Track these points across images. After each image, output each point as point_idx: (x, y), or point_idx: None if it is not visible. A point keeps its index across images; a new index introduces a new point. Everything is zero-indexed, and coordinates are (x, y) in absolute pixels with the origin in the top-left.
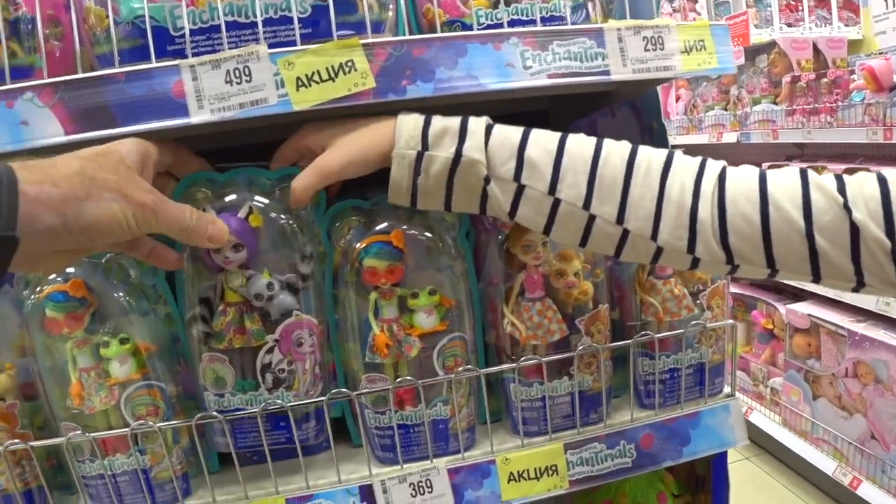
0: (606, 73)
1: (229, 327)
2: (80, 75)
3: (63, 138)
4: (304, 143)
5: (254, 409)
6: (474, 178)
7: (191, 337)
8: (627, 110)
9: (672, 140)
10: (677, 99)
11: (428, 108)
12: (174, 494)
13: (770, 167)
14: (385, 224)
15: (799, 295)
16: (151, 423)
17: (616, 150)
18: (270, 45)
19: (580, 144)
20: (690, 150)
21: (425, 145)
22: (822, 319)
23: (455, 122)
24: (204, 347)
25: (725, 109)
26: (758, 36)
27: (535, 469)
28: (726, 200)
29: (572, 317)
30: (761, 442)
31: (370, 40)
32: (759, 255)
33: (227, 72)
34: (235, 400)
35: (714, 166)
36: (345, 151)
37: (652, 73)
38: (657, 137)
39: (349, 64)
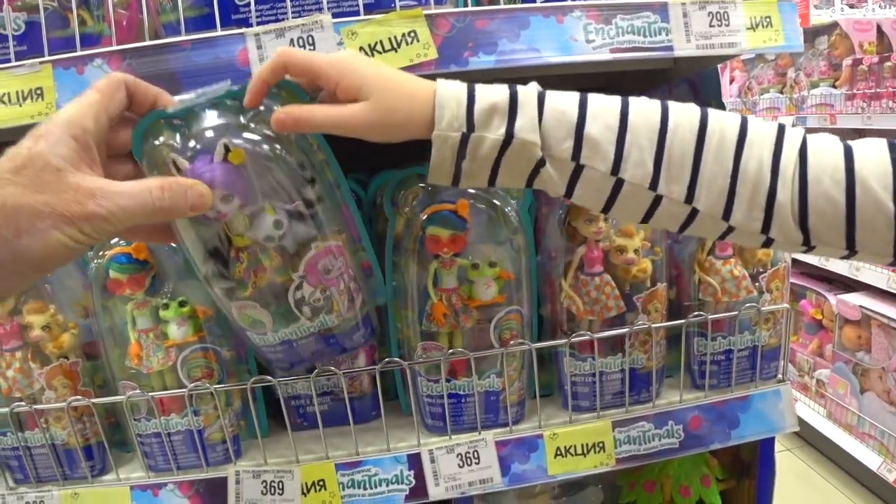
0: (670, 48)
1: (248, 273)
2: (148, 42)
3: None
4: (332, 77)
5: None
6: (525, 160)
7: (214, 296)
8: (685, 88)
9: None
10: (731, 81)
11: (488, 80)
12: (226, 455)
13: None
14: (450, 193)
15: (850, 285)
16: (207, 384)
17: (684, 120)
18: (335, 15)
19: (646, 115)
20: None
21: (471, 125)
22: (875, 311)
23: (503, 95)
24: (230, 300)
25: (781, 93)
26: (818, 17)
27: (583, 445)
28: (808, 179)
29: (630, 294)
30: (804, 434)
31: (433, 11)
32: (840, 238)
33: (292, 41)
34: (278, 336)
35: (794, 137)
36: (377, 115)
37: (716, 50)
38: None
39: (412, 34)
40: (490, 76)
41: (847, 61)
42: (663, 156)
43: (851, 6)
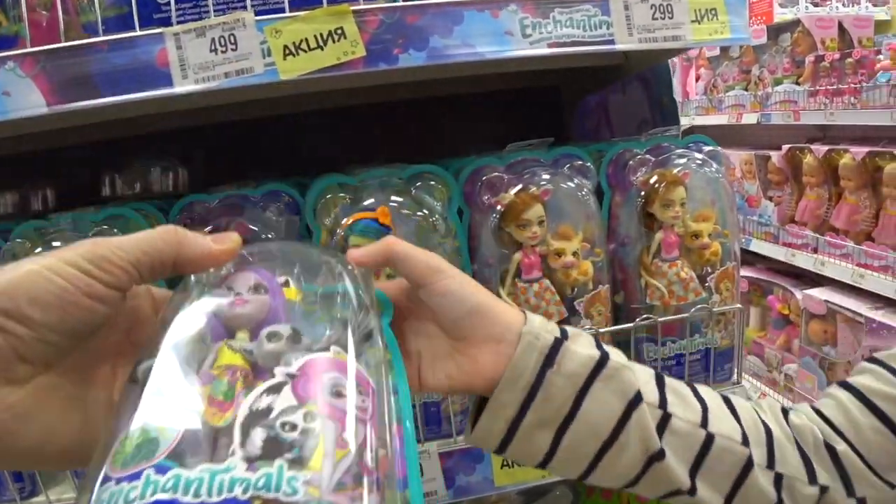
0: (611, 42)
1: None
2: (62, 44)
3: (45, 109)
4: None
5: None
6: (618, 394)
7: None
8: (638, 85)
9: (691, 121)
10: (697, 78)
11: (420, 77)
12: None
13: (790, 149)
14: (371, 200)
15: (816, 281)
16: None
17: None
18: (258, 13)
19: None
20: (709, 130)
21: (564, 334)
22: (840, 306)
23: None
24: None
25: (746, 90)
26: (782, 14)
27: None
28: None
29: (572, 298)
30: None
31: (361, 7)
32: None
33: (213, 40)
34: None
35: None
36: (451, 272)
37: (659, 44)
38: (668, 113)
39: (339, 31)
40: (422, 73)
41: (809, 58)
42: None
43: (815, 4)
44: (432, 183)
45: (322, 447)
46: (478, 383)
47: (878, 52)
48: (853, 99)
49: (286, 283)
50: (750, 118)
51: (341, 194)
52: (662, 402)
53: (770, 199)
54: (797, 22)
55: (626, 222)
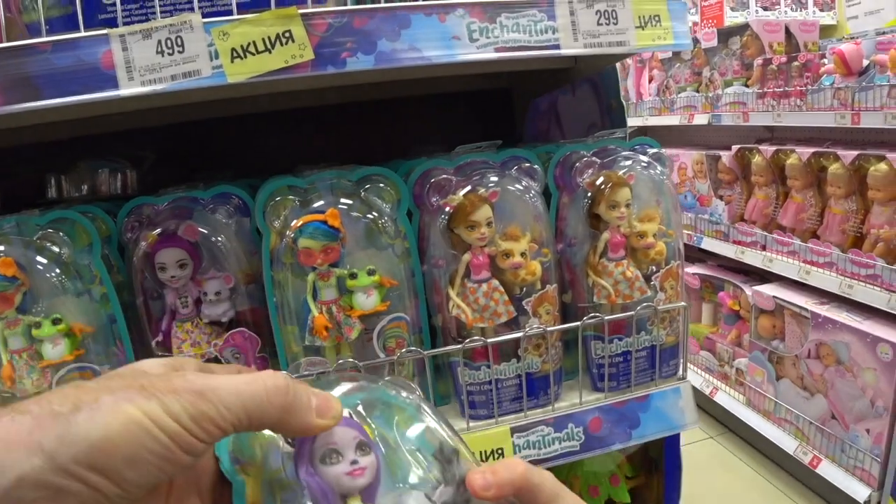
0: (556, 47)
1: None
2: (2, 45)
3: None
4: None
5: None
6: None
7: None
8: (587, 88)
9: (644, 121)
10: (650, 80)
11: (368, 80)
12: None
13: (740, 150)
14: (321, 203)
15: (765, 277)
16: None
17: None
18: (206, 15)
19: None
20: (662, 130)
21: None
22: (787, 301)
23: None
24: None
25: (697, 91)
26: (733, 18)
27: (481, 452)
28: None
29: (520, 298)
30: (726, 421)
31: (309, 10)
32: None
33: (159, 42)
34: None
35: None
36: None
37: (604, 49)
38: (616, 116)
39: (287, 34)
40: (375, 75)
41: (758, 61)
42: None
43: (765, 8)
44: (381, 185)
45: None
46: None
47: (823, 56)
48: (799, 101)
49: (351, 418)
50: (701, 119)
51: (290, 196)
52: None
53: (721, 197)
54: (746, 26)
55: (574, 223)
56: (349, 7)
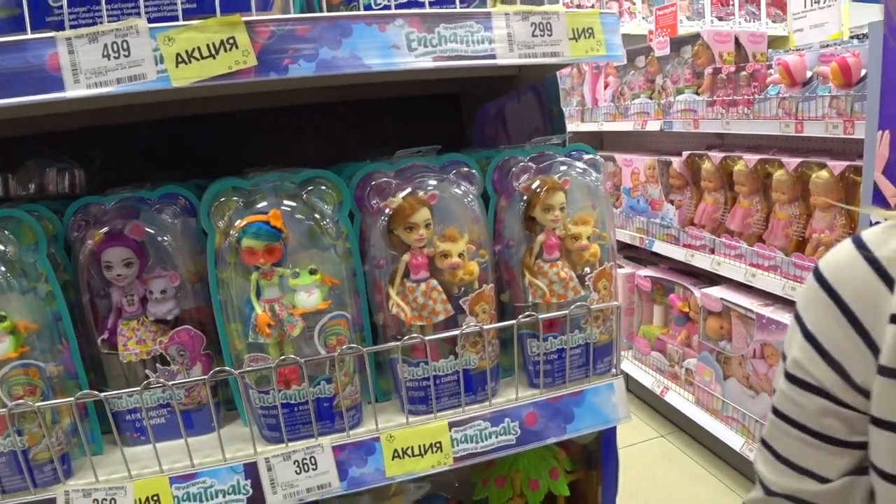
0: (493, 56)
1: None
2: None
3: None
4: None
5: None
6: None
7: None
8: (531, 95)
9: (599, 126)
10: (606, 86)
11: (308, 87)
12: (54, 475)
13: (690, 156)
14: (264, 204)
15: (714, 280)
16: (30, 402)
17: None
18: (153, 20)
19: None
20: (617, 135)
21: None
22: (733, 303)
23: None
24: None
25: (651, 98)
26: (689, 27)
27: (420, 446)
28: None
29: (458, 297)
30: (676, 420)
31: (253, 18)
32: None
33: (105, 45)
34: None
35: None
36: None
37: (539, 59)
38: (556, 122)
39: (231, 41)
40: (310, 83)
41: (708, 70)
42: None
43: (720, 18)
44: (324, 188)
45: None
46: None
47: (770, 67)
48: (746, 109)
49: None
50: (654, 125)
51: (235, 198)
52: None
53: (672, 202)
54: (698, 35)
55: (511, 225)
56: (292, 16)
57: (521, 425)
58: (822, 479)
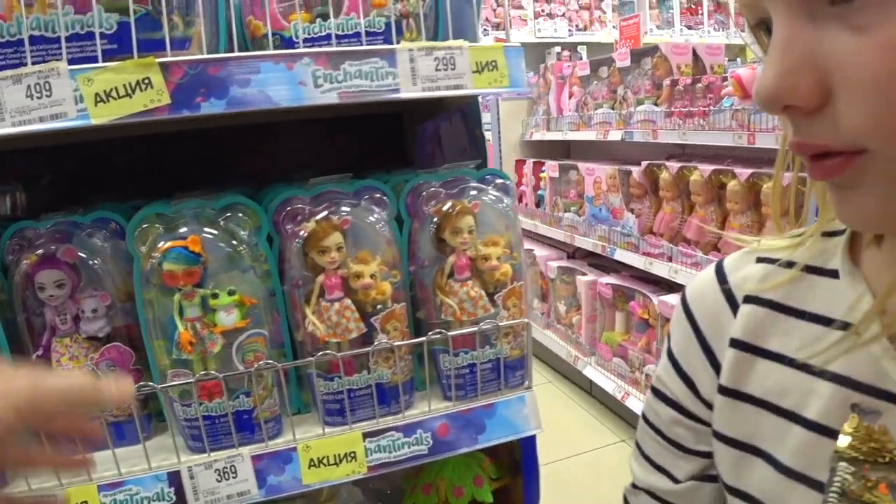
0: (397, 90)
1: None
2: None
3: None
4: None
5: None
6: None
7: None
8: (459, 117)
9: (564, 135)
10: (570, 96)
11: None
12: None
13: (648, 165)
14: (185, 230)
15: (673, 287)
16: None
17: None
18: (76, 61)
19: None
20: (580, 144)
21: None
22: None
23: None
24: None
25: (613, 108)
26: (658, 36)
27: (335, 455)
28: None
29: (371, 315)
30: (636, 425)
31: (167, 59)
32: None
33: (28, 87)
34: None
35: None
36: None
37: (442, 91)
38: (478, 143)
39: (146, 81)
40: (222, 120)
41: (666, 82)
42: None
43: (690, 27)
44: (241, 215)
45: None
46: None
47: (725, 79)
48: (702, 121)
49: None
50: (615, 135)
51: (157, 224)
52: None
53: (632, 211)
54: (656, 48)
55: (424, 247)
56: (204, 56)
57: (434, 436)
58: (674, 480)
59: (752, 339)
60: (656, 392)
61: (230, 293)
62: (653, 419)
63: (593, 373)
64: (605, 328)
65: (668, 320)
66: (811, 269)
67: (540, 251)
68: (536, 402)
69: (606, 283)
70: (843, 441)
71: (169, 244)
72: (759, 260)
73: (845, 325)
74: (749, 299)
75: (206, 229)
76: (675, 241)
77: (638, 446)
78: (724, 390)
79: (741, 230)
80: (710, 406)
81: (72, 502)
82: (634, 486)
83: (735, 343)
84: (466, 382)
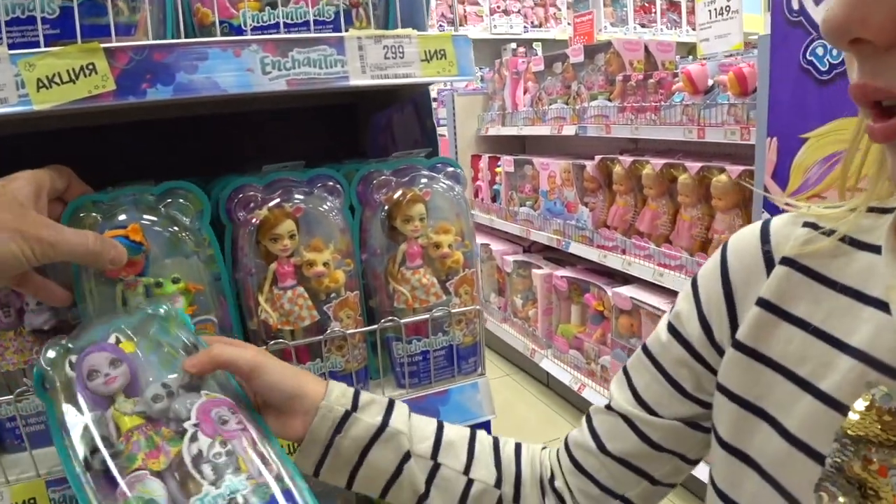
0: (346, 78)
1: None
2: None
3: None
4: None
5: None
6: (393, 452)
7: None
8: (411, 108)
9: (519, 130)
10: (525, 91)
11: (165, 109)
12: None
13: (602, 160)
14: (123, 217)
15: (626, 279)
16: None
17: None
18: (17, 46)
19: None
20: (535, 139)
21: (355, 406)
22: (642, 301)
23: (383, 398)
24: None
25: (567, 104)
26: (612, 33)
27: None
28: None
29: (324, 303)
30: None
31: (112, 45)
32: None
33: None
34: None
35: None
36: (271, 367)
37: (391, 80)
38: (430, 134)
39: (90, 67)
40: (169, 105)
41: (619, 77)
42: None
43: (643, 25)
44: (181, 200)
45: (241, 455)
46: (294, 439)
47: (675, 75)
48: (654, 116)
49: (118, 341)
50: (569, 130)
51: (94, 213)
52: (434, 454)
53: (586, 204)
54: (609, 44)
55: (375, 235)
56: (149, 42)
57: None
58: (657, 416)
59: (779, 302)
60: (671, 329)
61: (174, 281)
62: (658, 354)
63: (550, 365)
64: (561, 321)
65: (622, 311)
66: (853, 242)
67: (496, 245)
68: (490, 388)
69: (562, 276)
70: (853, 418)
71: (107, 234)
72: (805, 224)
73: (879, 303)
74: (786, 261)
75: (146, 216)
76: (629, 234)
77: (626, 374)
78: (739, 345)
79: (691, 223)
80: (721, 352)
81: (20, 498)
82: (609, 407)
83: (762, 302)
84: (420, 370)
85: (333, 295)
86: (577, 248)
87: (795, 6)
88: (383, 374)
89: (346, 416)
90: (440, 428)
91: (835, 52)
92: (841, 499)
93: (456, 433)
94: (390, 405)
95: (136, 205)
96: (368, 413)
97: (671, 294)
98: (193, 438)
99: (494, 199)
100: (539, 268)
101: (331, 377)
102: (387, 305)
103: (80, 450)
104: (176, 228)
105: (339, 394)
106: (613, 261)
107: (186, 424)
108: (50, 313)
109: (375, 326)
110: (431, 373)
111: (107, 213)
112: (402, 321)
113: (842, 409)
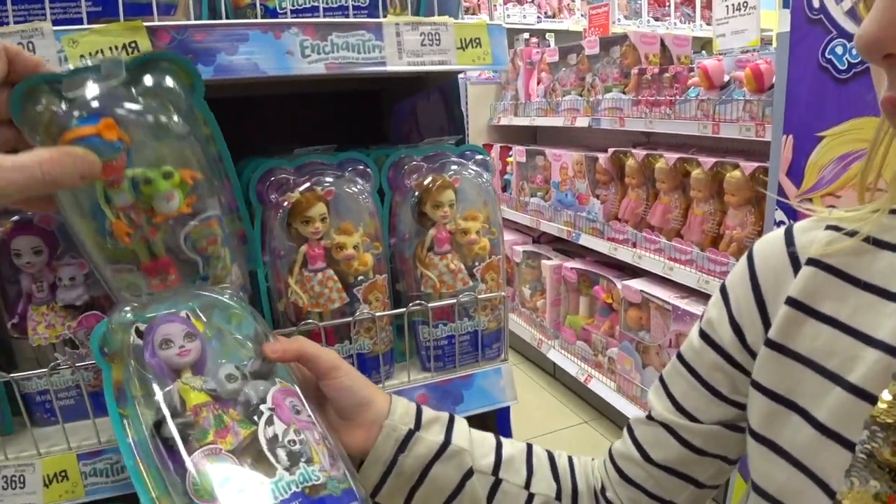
0: (383, 64)
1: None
2: None
3: None
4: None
5: None
6: (455, 469)
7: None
8: (438, 95)
9: (531, 121)
10: (539, 82)
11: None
12: None
13: (615, 152)
14: (95, 105)
15: (636, 272)
16: None
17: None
18: (60, 22)
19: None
20: (548, 130)
21: (418, 425)
22: (652, 295)
23: (444, 414)
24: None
25: (580, 95)
26: (626, 25)
27: None
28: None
29: (353, 286)
30: (599, 407)
31: (154, 23)
32: None
33: None
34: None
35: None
36: (349, 370)
37: (427, 66)
38: (458, 122)
39: (133, 45)
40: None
41: (634, 70)
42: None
43: (657, 18)
44: (167, 74)
45: (313, 446)
46: (353, 451)
47: (691, 70)
48: (668, 110)
49: (188, 318)
50: (582, 121)
51: (52, 105)
52: (496, 470)
53: (598, 197)
54: (625, 36)
55: (405, 220)
56: (192, 22)
57: None
58: (698, 421)
59: (807, 300)
60: (704, 336)
61: (166, 176)
62: (692, 360)
63: (557, 356)
64: (569, 312)
65: (631, 304)
66: (877, 242)
67: (506, 235)
68: (512, 374)
69: (571, 268)
70: (881, 406)
71: (71, 135)
72: (829, 227)
73: None
74: (812, 262)
75: (124, 104)
76: (640, 228)
77: (663, 383)
78: (771, 343)
79: (703, 218)
80: (753, 355)
81: (52, 470)
82: (650, 417)
83: (791, 301)
84: (445, 354)
85: (362, 278)
86: (587, 240)
87: (816, 4)
88: (409, 357)
89: (410, 434)
90: (499, 443)
91: (854, 50)
92: (872, 482)
93: (514, 448)
94: (451, 421)
95: (105, 81)
96: (431, 431)
97: (681, 288)
98: (269, 422)
99: (505, 188)
100: (548, 259)
101: (358, 359)
102: (414, 290)
103: (148, 416)
104: (160, 114)
105: (403, 412)
106: (624, 254)
107: (263, 407)
108: (83, 288)
109: (403, 310)
110: (456, 357)
111: (71, 102)
112: (430, 305)
113: (870, 398)
